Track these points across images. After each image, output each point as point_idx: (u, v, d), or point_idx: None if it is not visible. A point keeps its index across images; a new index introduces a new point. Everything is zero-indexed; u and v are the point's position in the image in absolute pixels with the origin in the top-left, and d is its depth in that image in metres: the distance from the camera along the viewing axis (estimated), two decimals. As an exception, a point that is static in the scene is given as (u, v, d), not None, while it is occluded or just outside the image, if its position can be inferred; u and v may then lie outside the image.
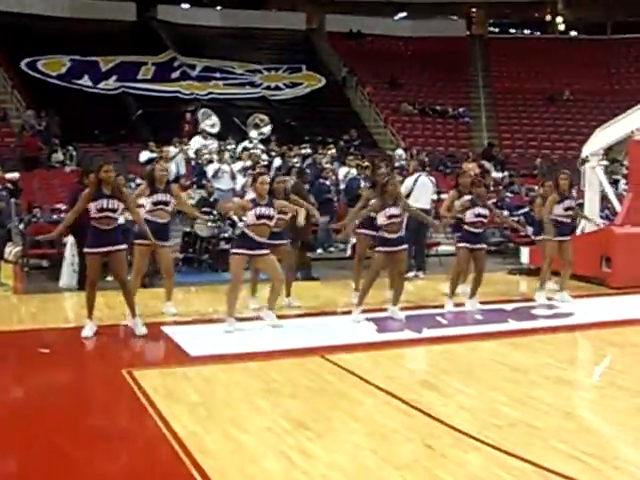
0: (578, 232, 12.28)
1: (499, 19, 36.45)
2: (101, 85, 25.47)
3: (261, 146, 18.38)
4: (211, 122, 18.54)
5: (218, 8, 32.73)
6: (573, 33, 35.75)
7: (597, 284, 11.47)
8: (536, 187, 15.94)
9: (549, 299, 10.28)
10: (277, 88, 28.25)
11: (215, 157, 16.31)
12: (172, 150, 16.40)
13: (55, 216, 13.23)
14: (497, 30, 36.18)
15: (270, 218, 8.41)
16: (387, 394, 6.17)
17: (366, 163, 15.36)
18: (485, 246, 9.96)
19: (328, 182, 15.77)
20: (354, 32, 32.22)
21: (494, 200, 16.86)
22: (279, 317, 8.72)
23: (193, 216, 10.37)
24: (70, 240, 11.19)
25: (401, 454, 4.88)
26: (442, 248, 14.05)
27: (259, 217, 8.33)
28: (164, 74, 26.75)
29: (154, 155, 15.33)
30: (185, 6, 32.29)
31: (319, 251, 14.92)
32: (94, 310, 8.12)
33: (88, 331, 8.00)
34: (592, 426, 5.60)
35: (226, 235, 12.92)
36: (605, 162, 13.11)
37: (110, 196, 7.92)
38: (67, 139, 20.99)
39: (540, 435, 5.23)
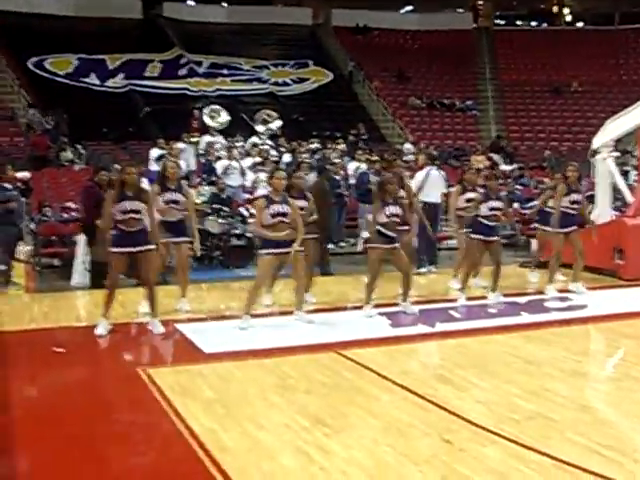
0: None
1: (506, 11, 36.35)
2: (108, 83, 25.51)
3: (270, 142, 18.39)
4: (220, 120, 18.54)
5: (224, 4, 32.73)
6: (580, 24, 35.60)
7: (609, 276, 11.42)
8: (546, 180, 15.89)
9: (560, 291, 10.24)
10: (284, 84, 28.24)
11: (224, 154, 16.32)
12: (180, 146, 16.42)
13: (65, 215, 13.28)
14: (504, 22, 36.07)
15: (285, 215, 8.32)
16: (403, 389, 6.17)
17: (375, 157, 15.36)
18: (499, 238, 9.93)
19: (338, 177, 15.76)
20: (360, 26, 32.15)
21: (504, 193, 16.82)
22: (290, 313, 8.71)
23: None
24: (82, 238, 11.21)
25: (419, 449, 4.87)
26: (453, 242, 14.01)
27: (274, 215, 8.27)
28: (171, 71, 26.78)
29: (164, 152, 15.34)
30: (191, 3, 32.32)
31: (330, 246, 14.90)
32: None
33: (102, 329, 8.00)
34: (610, 418, 5.58)
35: (237, 232, 12.93)
36: (616, 153, 13.04)
37: (133, 198, 7.94)
38: (75, 137, 21.06)
39: (557, 428, 5.21)
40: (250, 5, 32.10)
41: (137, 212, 7.97)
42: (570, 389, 6.17)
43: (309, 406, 5.74)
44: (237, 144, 17.38)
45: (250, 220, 13.33)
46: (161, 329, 8.13)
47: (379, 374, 6.59)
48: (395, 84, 29.61)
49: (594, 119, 23.64)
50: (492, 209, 9.62)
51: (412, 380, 6.43)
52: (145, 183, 8.91)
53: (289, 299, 8.95)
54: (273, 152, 17.76)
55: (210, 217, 13.06)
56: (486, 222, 9.64)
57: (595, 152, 12.86)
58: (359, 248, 13.44)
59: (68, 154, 20.18)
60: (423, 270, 11.89)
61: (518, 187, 18.40)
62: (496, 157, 22.80)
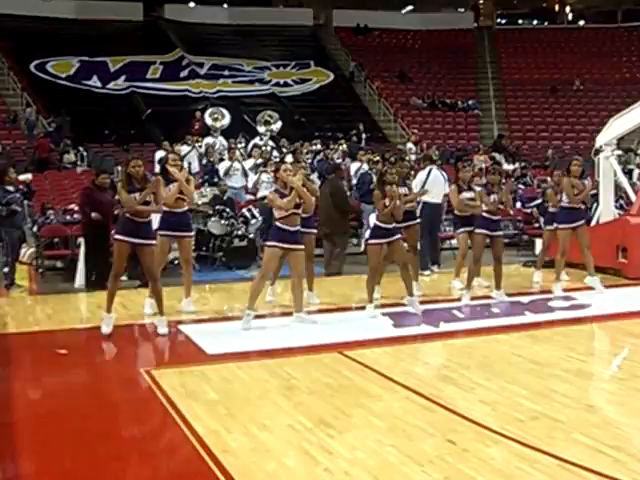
0: (593, 223, 12.20)
1: (507, 10, 36.30)
2: (110, 85, 25.54)
3: (271, 143, 18.37)
4: (222, 122, 18.52)
5: (225, 6, 32.70)
6: (582, 22, 35.55)
7: (613, 275, 11.38)
8: (548, 178, 15.86)
9: (566, 290, 10.22)
10: (286, 84, 28.24)
11: (226, 155, 16.30)
12: (184, 149, 16.41)
13: (68, 217, 13.28)
14: (505, 21, 36.03)
15: (298, 206, 8.37)
16: (407, 389, 6.15)
17: (377, 157, 15.33)
18: (502, 233, 9.92)
19: (340, 177, 15.71)
20: (361, 27, 32.16)
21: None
22: (291, 314, 8.70)
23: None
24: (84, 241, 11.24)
25: (423, 450, 4.85)
26: (455, 242, 13.97)
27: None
28: (173, 73, 26.79)
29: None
30: (192, 5, 32.27)
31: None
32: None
33: (106, 327, 7.98)
34: (615, 418, 5.53)
35: (239, 233, 12.91)
36: (619, 152, 13.01)
37: (141, 190, 7.95)
38: (78, 140, 21.06)
39: (563, 428, 5.19)
40: (251, 6, 32.11)
41: (146, 203, 7.97)
42: (575, 389, 6.14)
43: (313, 407, 5.72)
44: (239, 145, 17.35)
45: (253, 222, 13.32)
46: (165, 330, 8.12)
47: (383, 374, 6.57)
48: (396, 84, 29.60)
49: (597, 118, 23.67)
50: (493, 202, 9.61)
51: (416, 380, 6.42)
52: None
53: (291, 299, 8.90)
54: (275, 153, 17.75)
55: (212, 218, 13.04)
56: (490, 216, 9.62)
57: (598, 151, 12.82)
58: (362, 248, 13.42)
59: (71, 156, 20.21)
60: (427, 273, 11.85)
61: (520, 186, 18.33)
62: (498, 156, 22.75)
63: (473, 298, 9.72)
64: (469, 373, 6.60)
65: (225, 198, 13.84)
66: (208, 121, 18.60)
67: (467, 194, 10.48)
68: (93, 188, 11.15)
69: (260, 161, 16.01)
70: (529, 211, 15.79)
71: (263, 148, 17.45)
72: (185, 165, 15.21)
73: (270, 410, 5.70)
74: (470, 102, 28.75)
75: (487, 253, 10.00)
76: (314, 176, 15.28)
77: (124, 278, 10.15)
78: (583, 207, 10.47)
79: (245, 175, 15.64)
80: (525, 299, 9.99)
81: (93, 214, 10.75)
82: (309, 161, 16.31)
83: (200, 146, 17.61)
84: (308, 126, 24.17)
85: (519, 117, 28.55)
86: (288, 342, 7.79)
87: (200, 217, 13.14)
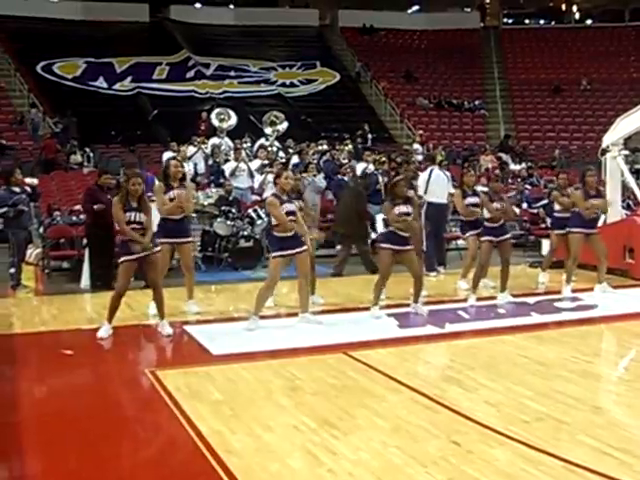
0: (600, 223, 12.14)
1: (513, 10, 36.22)
2: (116, 86, 25.59)
3: (277, 143, 18.37)
4: (229, 122, 18.52)
5: (231, 7, 32.77)
6: (589, 22, 35.45)
7: (620, 275, 11.33)
8: (555, 179, 15.83)
9: (574, 291, 10.19)
10: (292, 85, 28.25)
11: (232, 155, 16.31)
12: (190, 149, 16.43)
13: (74, 217, 13.30)
14: (511, 21, 35.94)
15: (295, 214, 8.39)
16: (411, 390, 6.13)
17: (383, 158, 15.32)
18: (509, 236, 9.89)
19: (346, 178, 15.70)
20: (367, 27, 32.15)
21: (513, 193, 16.78)
22: (296, 314, 8.71)
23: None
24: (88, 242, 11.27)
25: (427, 451, 4.83)
26: (461, 242, 13.95)
27: (287, 214, 8.33)
28: (179, 74, 26.83)
29: (175, 155, 15.34)
30: (198, 5, 32.31)
31: (338, 247, 14.86)
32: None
33: (103, 333, 8.00)
34: (621, 420, 5.50)
35: (245, 233, 12.91)
36: (626, 152, 12.96)
37: (137, 209, 7.97)
38: (84, 141, 21.10)
39: (568, 430, 5.17)
40: (257, 7, 32.16)
41: (140, 223, 8.00)
42: (581, 390, 6.11)
43: (317, 407, 5.71)
44: (244, 146, 17.36)
45: (259, 222, 13.32)
46: (170, 330, 8.13)
47: (387, 375, 6.55)
48: (403, 84, 29.58)
49: (604, 117, 23.59)
50: (496, 210, 9.60)
51: (421, 381, 6.41)
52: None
53: (297, 300, 8.90)
54: (281, 154, 17.75)
55: (218, 219, 13.05)
56: (492, 224, 9.61)
57: (605, 150, 12.78)
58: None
59: (78, 157, 20.24)
60: (433, 274, 11.82)
61: (527, 187, 18.30)
62: (505, 157, 22.74)
63: (479, 299, 9.71)
64: (474, 374, 6.57)
65: (231, 199, 13.86)
66: (214, 122, 18.60)
67: (472, 199, 10.45)
68: (96, 188, 11.17)
69: (266, 162, 16.02)
70: (535, 211, 15.78)
71: (269, 149, 17.47)
72: (192, 166, 15.32)
73: (274, 411, 5.69)
74: (476, 102, 28.71)
75: (495, 254, 9.98)
76: (320, 176, 15.28)
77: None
78: (595, 215, 10.44)
79: (251, 176, 15.65)
80: (531, 300, 9.96)
81: (96, 206, 10.76)
82: (315, 161, 16.28)
83: (206, 147, 17.63)
84: (314, 126, 24.16)
85: (526, 117, 28.49)
86: (293, 343, 7.78)
87: (206, 218, 13.16)
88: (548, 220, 12.13)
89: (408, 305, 9.18)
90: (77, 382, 6.85)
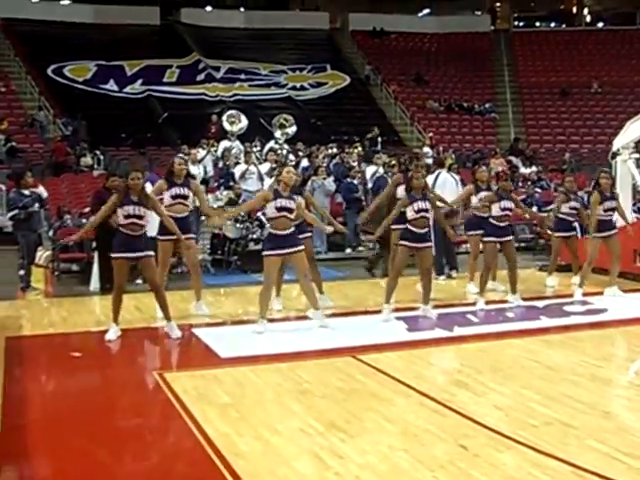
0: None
1: (524, 13, 36.17)
2: (127, 89, 25.67)
3: (287, 146, 18.37)
4: (239, 125, 18.54)
5: (241, 10, 32.83)
6: (600, 25, 35.35)
7: (630, 279, 11.28)
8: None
9: (585, 295, 10.15)
10: (302, 88, 28.26)
11: (242, 158, 16.33)
12: (200, 153, 16.45)
13: (84, 220, 13.33)
14: (522, 24, 35.88)
15: (290, 211, 8.33)
16: (419, 394, 6.11)
17: (393, 161, 15.29)
18: (511, 238, 9.85)
19: (356, 181, 15.72)
20: (378, 30, 32.15)
21: (523, 197, 16.72)
22: (305, 317, 8.70)
23: (206, 213, 10.22)
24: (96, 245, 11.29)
25: (434, 454, 4.82)
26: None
27: (279, 209, 8.27)
28: (189, 77, 26.88)
29: (185, 158, 15.35)
30: (209, 8, 32.38)
31: (348, 251, 14.89)
32: (122, 313, 8.15)
33: (112, 335, 8.01)
34: (630, 425, 5.47)
35: (254, 236, 12.92)
36: (636, 155, 12.89)
37: (137, 203, 7.94)
38: (94, 143, 21.17)
39: (576, 434, 5.14)
40: (267, 10, 32.25)
41: (140, 217, 7.96)
42: (590, 394, 6.08)
43: (325, 411, 5.70)
44: (254, 149, 17.37)
45: (268, 225, 13.30)
46: (178, 333, 8.12)
47: (396, 379, 6.54)
48: (413, 87, 29.56)
49: (615, 121, 23.49)
50: (504, 209, 9.56)
51: (429, 385, 6.39)
52: (148, 187, 8.86)
53: (305, 304, 8.90)
54: (291, 157, 17.75)
55: (227, 222, 13.04)
56: (497, 223, 9.57)
57: (615, 154, 12.72)
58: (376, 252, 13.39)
59: (88, 159, 20.33)
60: (442, 278, 11.80)
61: (537, 190, 18.26)
62: (515, 160, 22.68)
63: (488, 302, 9.66)
64: (482, 378, 6.55)
65: (240, 202, 13.85)
66: (226, 125, 18.62)
67: (484, 193, 10.40)
68: (104, 191, 11.17)
69: (274, 165, 16.02)
70: (545, 215, 15.69)
71: (279, 152, 17.47)
72: (201, 169, 15.32)
73: (282, 414, 5.69)
74: (487, 105, 28.66)
75: (501, 257, 9.96)
76: (330, 179, 15.29)
77: (139, 281, 10.22)
78: (611, 218, 10.40)
79: (261, 179, 15.63)
80: (540, 303, 9.91)
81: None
82: (324, 165, 16.28)
83: (216, 150, 17.65)
84: (324, 130, 24.16)
85: (536, 120, 28.41)
86: (301, 346, 7.79)
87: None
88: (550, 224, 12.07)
89: (417, 309, 9.15)
90: (85, 384, 6.88)
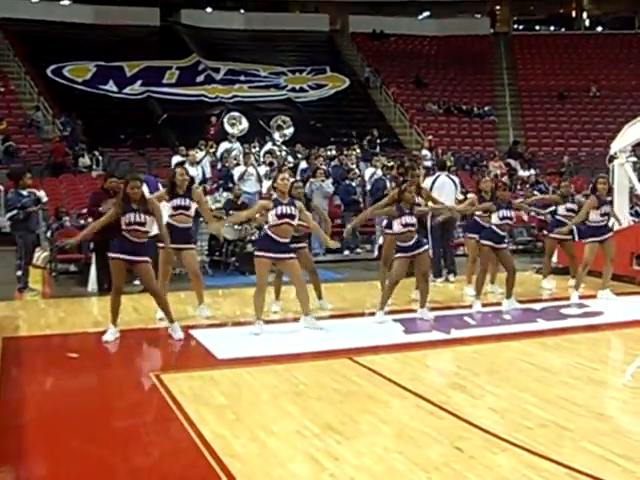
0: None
1: (523, 16, 36.20)
2: (126, 90, 25.69)
3: (285, 148, 18.40)
4: (240, 127, 18.57)
5: (241, 11, 32.85)
6: (599, 29, 35.40)
7: (627, 282, 11.30)
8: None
9: (581, 297, 10.17)
10: (302, 90, 28.29)
11: (241, 160, 16.35)
12: (198, 154, 16.47)
13: (82, 221, 13.35)
14: (522, 27, 35.92)
15: (292, 217, 8.34)
16: (415, 396, 6.12)
17: (391, 163, 15.33)
18: (506, 245, 9.83)
19: (354, 183, 15.75)
20: (377, 32, 32.20)
21: (521, 199, 16.72)
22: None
23: (208, 221, 10.21)
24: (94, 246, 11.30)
25: (430, 456, 4.82)
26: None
27: (280, 216, 8.27)
28: (189, 78, 26.91)
29: (183, 159, 15.39)
30: (209, 10, 32.42)
31: (346, 252, 14.90)
32: (120, 314, 8.15)
33: (109, 336, 8.01)
34: (625, 427, 5.48)
35: (252, 238, 12.93)
36: (633, 158, 12.92)
37: (137, 210, 7.92)
38: (93, 144, 21.19)
39: (572, 436, 5.15)
40: (267, 12, 32.27)
41: (142, 224, 7.94)
42: (585, 397, 6.10)
43: (320, 412, 5.71)
44: (253, 150, 17.39)
45: (266, 227, 13.31)
46: (181, 334, 8.12)
47: (392, 381, 6.55)
48: (412, 90, 29.60)
49: (613, 124, 23.50)
50: (503, 218, 9.57)
51: (425, 387, 6.40)
52: (144, 189, 8.83)
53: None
54: (290, 158, 17.79)
55: (225, 224, 13.05)
56: (498, 231, 9.59)
57: (613, 157, 12.75)
58: (375, 254, 13.43)
59: (86, 160, 20.34)
60: (439, 280, 11.81)
61: (536, 193, 18.25)
62: (514, 163, 22.71)
63: (485, 305, 9.67)
64: (479, 380, 6.57)
65: (239, 203, 13.87)
66: (227, 127, 18.64)
67: (487, 204, 10.41)
68: (102, 192, 11.18)
69: (268, 168, 16.05)
70: (543, 218, 15.72)
71: (278, 153, 17.50)
72: (200, 171, 15.33)
73: (278, 415, 5.70)
74: (486, 108, 28.70)
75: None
76: (328, 182, 15.31)
77: (137, 282, 10.22)
78: (607, 223, 10.43)
79: (259, 181, 15.68)
80: (537, 306, 9.94)
81: (101, 207, 10.76)
82: (323, 166, 16.30)
83: (215, 151, 17.68)
84: (324, 132, 24.18)
85: (535, 123, 28.45)
86: (298, 348, 7.79)
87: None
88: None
89: (414, 311, 9.17)
90: (82, 385, 6.87)
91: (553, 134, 27.70)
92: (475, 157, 24.27)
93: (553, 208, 12.71)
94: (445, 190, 12.06)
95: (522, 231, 15.33)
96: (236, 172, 15.80)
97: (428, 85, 29.93)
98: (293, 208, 8.37)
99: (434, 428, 5.33)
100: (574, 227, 10.98)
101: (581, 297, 10.21)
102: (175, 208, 8.92)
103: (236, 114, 19.33)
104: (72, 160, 20.36)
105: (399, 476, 4.55)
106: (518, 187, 19.65)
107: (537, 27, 36.57)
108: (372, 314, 9.04)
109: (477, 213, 10.52)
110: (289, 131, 18.87)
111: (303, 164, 17.19)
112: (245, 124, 18.84)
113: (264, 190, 15.38)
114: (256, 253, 8.47)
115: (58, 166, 19.80)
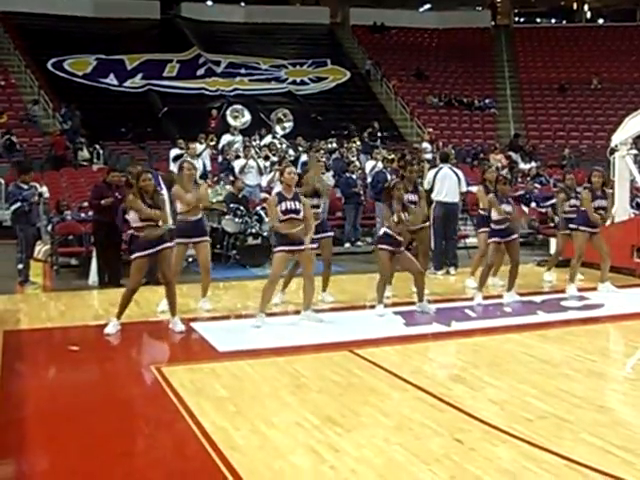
0: (608, 222, 12.11)
1: (524, 8, 36.14)
2: (127, 83, 25.65)
3: (285, 141, 18.39)
4: (243, 120, 18.56)
5: (242, 4, 32.79)
6: (601, 21, 35.34)
7: (627, 275, 11.31)
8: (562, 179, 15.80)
9: (580, 290, 10.17)
10: (302, 83, 28.24)
11: (241, 153, 16.34)
12: (198, 147, 16.45)
13: (83, 214, 13.36)
14: (523, 20, 35.87)
15: (297, 212, 8.36)
16: (416, 388, 6.14)
17: (392, 156, 15.31)
18: (517, 235, 9.85)
19: (355, 176, 15.74)
20: (378, 25, 32.14)
21: (522, 192, 16.74)
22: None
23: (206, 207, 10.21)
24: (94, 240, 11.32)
25: (430, 448, 4.84)
26: (470, 240, 13.94)
27: (285, 212, 8.31)
28: (189, 71, 26.86)
29: (182, 152, 15.38)
30: (209, 3, 32.36)
31: (347, 245, 14.91)
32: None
33: (111, 328, 8.04)
34: (624, 419, 5.50)
35: (253, 231, 12.93)
36: (634, 151, 12.91)
37: (151, 206, 7.98)
38: (94, 137, 21.17)
39: (571, 428, 5.17)
40: (268, 5, 32.18)
41: (155, 220, 8.04)
42: (586, 389, 6.12)
43: (321, 405, 5.72)
44: (254, 143, 17.38)
45: (267, 220, 13.33)
46: (182, 327, 8.16)
47: (393, 373, 6.56)
48: (413, 82, 29.56)
49: (614, 117, 23.46)
50: (506, 213, 9.56)
51: (426, 379, 6.41)
52: None
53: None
54: (291, 152, 17.77)
55: (227, 216, 13.07)
56: (499, 226, 9.58)
57: (614, 150, 12.73)
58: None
59: (85, 153, 20.33)
60: (440, 273, 11.82)
61: (536, 186, 18.26)
62: (515, 156, 22.68)
63: (486, 297, 9.68)
64: (479, 372, 6.58)
65: (240, 196, 13.86)
66: (229, 120, 18.62)
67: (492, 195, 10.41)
68: (103, 185, 11.19)
69: (275, 159, 16.06)
70: (544, 211, 15.74)
71: (278, 146, 17.49)
72: (200, 164, 15.32)
73: (278, 407, 5.71)
74: (487, 101, 28.67)
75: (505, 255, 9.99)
76: (329, 174, 15.29)
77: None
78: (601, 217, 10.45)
79: (260, 173, 15.68)
80: (538, 298, 9.94)
81: (103, 201, 10.78)
82: (323, 159, 16.28)
83: (215, 144, 17.66)
84: (324, 124, 24.15)
85: (536, 116, 28.41)
86: (299, 340, 7.81)
87: (214, 215, 13.18)
88: (556, 219, 12.09)
89: (415, 303, 9.17)
90: (83, 378, 6.89)
91: (554, 127, 27.65)
92: (476, 150, 24.24)
93: (554, 201, 12.72)
94: (447, 182, 12.04)
95: (523, 224, 15.29)
96: (237, 165, 15.79)
97: (429, 78, 29.89)
98: (297, 203, 8.40)
99: (434, 420, 5.35)
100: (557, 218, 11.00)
101: (581, 289, 10.22)
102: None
103: (239, 107, 19.31)
104: (72, 153, 20.34)
105: (399, 468, 4.57)
106: (519, 180, 19.63)
107: (538, 20, 36.54)
108: (373, 307, 9.06)
109: (484, 206, 10.48)
110: (289, 124, 18.86)
111: (304, 157, 17.16)
112: (248, 117, 18.83)
113: (264, 183, 15.39)
114: (275, 249, 8.54)
115: (59, 159, 19.79)
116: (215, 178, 16.22)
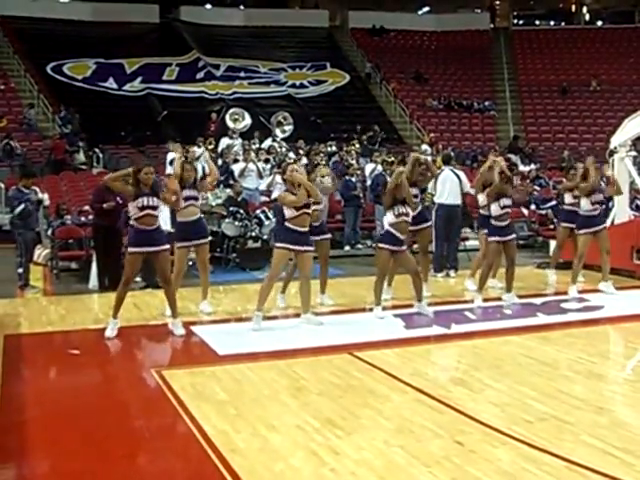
0: (608, 223, 12.12)
1: (523, 11, 36.19)
2: (126, 87, 25.67)
3: (284, 144, 18.39)
4: (243, 123, 18.57)
5: (241, 8, 32.81)
6: (599, 23, 35.37)
7: (627, 277, 11.31)
8: (564, 180, 15.78)
9: (581, 292, 10.17)
10: (302, 86, 28.27)
11: (241, 156, 16.35)
12: (197, 150, 16.44)
13: (83, 218, 13.36)
14: (521, 22, 35.89)
15: (308, 206, 8.41)
16: (416, 390, 6.15)
17: (392, 159, 15.31)
18: (515, 236, 9.86)
19: (354, 179, 15.75)
20: (377, 28, 32.15)
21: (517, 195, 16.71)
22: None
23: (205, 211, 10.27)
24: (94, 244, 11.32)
25: (430, 450, 4.85)
26: (470, 243, 13.93)
27: (298, 208, 8.35)
28: (189, 75, 26.88)
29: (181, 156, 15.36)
30: (208, 6, 32.39)
31: (346, 248, 14.91)
32: (120, 311, 8.16)
33: (111, 331, 8.03)
34: (625, 421, 5.50)
35: (253, 234, 12.94)
36: (633, 153, 12.92)
37: (149, 194, 8.00)
38: (93, 141, 21.18)
39: (571, 430, 5.17)
40: (267, 8, 32.20)
41: (154, 208, 8.03)
42: (586, 391, 6.13)
43: (321, 407, 5.73)
44: (253, 146, 17.39)
45: (267, 223, 13.35)
46: (182, 331, 8.15)
47: (392, 375, 6.57)
48: (412, 85, 29.58)
49: (614, 118, 23.48)
50: (504, 207, 9.57)
51: (425, 381, 6.42)
52: None
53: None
54: (291, 154, 17.77)
55: (226, 220, 13.08)
56: (499, 223, 9.58)
57: (613, 152, 12.74)
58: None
59: (81, 157, 20.32)
60: (440, 275, 11.82)
61: (536, 188, 18.26)
62: (514, 158, 22.66)
63: (485, 300, 9.68)
64: (479, 374, 6.59)
65: (239, 199, 13.87)
66: (229, 123, 18.63)
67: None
68: (104, 189, 11.17)
69: (275, 162, 16.06)
70: (544, 213, 15.74)
71: (278, 149, 17.50)
72: (199, 167, 15.33)
73: (279, 410, 5.72)
74: (486, 103, 28.68)
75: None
76: (328, 177, 15.27)
77: (137, 279, 10.23)
78: (599, 212, 10.43)
79: (260, 177, 15.68)
80: (538, 300, 9.94)
81: (105, 205, 10.79)
82: (323, 162, 16.29)
83: (213, 148, 17.66)
84: (324, 127, 24.17)
85: (535, 118, 28.41)
86: (298, 343, 7.81)
87: (214, 218, 13.18)
88: (556, 220, 12.09)
89: (413, 305, 9.18)
90: (83, 382, 6.89)
91: (553, 129, 27.66)
92: (475, 152, 24.24)
93: (554, 203, 12.73)
94: (449, 184, 12.03)
95: (522, 226, 15.31)
96: (236, 168, 15.80)
97: (428, 80, 29.91)
98: (306, 195, 8.43)
99: (434, 422, 5.36)
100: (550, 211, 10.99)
101: (581, 291, 10.23)
102: (185, 199, 8.95)
103: (239, 110, 19.32)
104: (71, 157, 20.35)
105: (399, 470, 4.57)
106: (518, 182, 19.60)
107: (537, 22, 36.54)
108: (372, 310, 9.06)
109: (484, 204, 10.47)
110: (289, 127, 18.87)
111: (304, 160, 17.16)
112: (248, 120, 18.84)
113: (263, 187, 15.39)
114: (277, 245, 8.53)
115: (58, 163, 19.79)
116: (214, 182, 16.21)
